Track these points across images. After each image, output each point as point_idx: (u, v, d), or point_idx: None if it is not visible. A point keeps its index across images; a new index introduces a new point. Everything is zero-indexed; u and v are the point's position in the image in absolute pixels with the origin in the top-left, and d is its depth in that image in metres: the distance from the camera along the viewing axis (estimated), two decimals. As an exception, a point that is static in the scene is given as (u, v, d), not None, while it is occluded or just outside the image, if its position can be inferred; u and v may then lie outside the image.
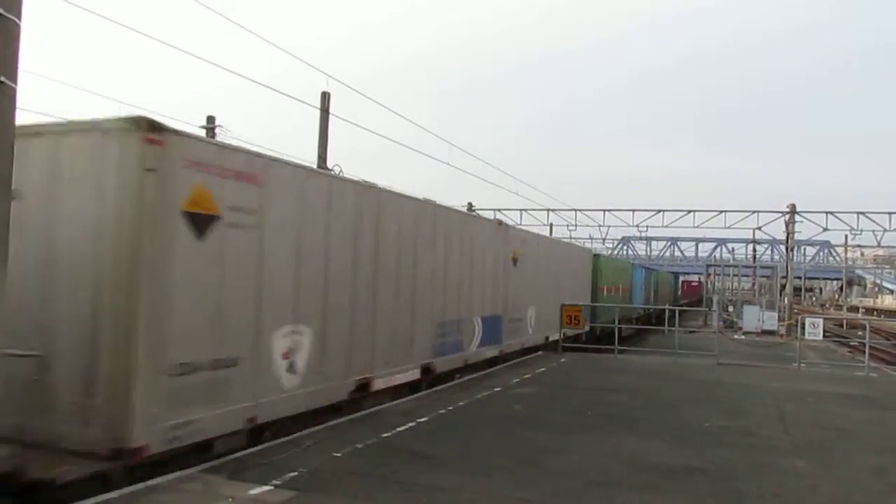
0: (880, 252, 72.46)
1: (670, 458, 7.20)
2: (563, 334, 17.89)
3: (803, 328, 16.54)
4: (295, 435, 7.54)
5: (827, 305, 77.19)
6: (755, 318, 28.32)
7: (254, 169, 6.91)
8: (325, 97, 19.99)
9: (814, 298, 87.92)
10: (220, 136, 23.71)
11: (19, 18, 2.14)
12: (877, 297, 78.29)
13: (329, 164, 21.89)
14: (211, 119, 23.81)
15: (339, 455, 6.79)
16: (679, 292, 62.23)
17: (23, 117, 4.53)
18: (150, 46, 32.37)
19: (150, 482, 5.71)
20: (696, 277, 71.50)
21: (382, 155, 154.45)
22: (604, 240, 50.22)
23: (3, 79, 2.04)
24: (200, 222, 6.24)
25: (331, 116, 19.92)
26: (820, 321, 16.93)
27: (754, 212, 36.85)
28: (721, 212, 38.25)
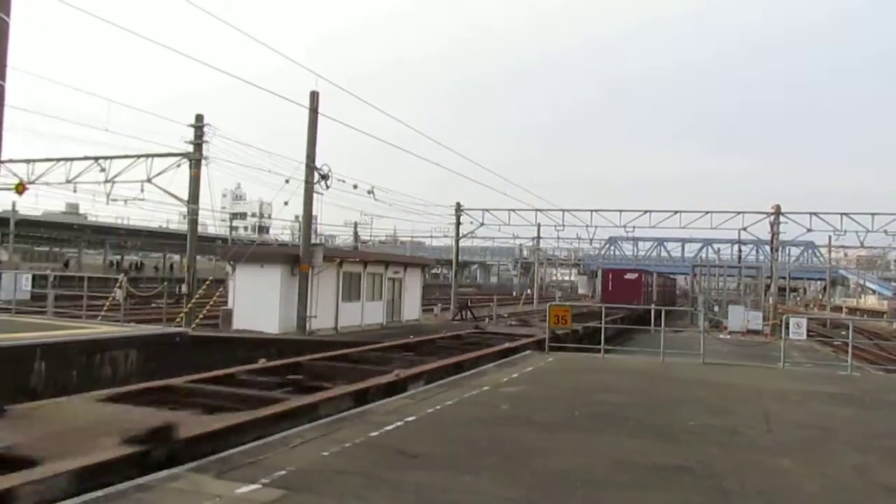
0: (863, 252, 73.33)
1: (656, 456, 7.27)
2: (552, 334, 17.97)
3: (787, 328, 16.71)
4: (282, 434, 7.56)
5: (811, 305, 77.92)
6: (740, 317, 28.62)
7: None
8: (314, 96, 19.90)
9: (798, 298, 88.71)
10: (209, 135, 23.58)
11: (8, 16, 2.14)
12: (860, 297, 79.14)
13: (318, 163, 21.78)
14: (199, 118, 23.69)
15: (326, 454, 6.80)
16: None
17: (12, 114, 4.51)
18: (140, 45, 32.16)
19: (137, 481, 5.70)
20: (660, 271, 54.72)
21: (373, 155, 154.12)
22: (591, 240, 50.36)
23: (-8, 77, 2.04)
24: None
25: (320, 116, 19.82)
26: (804, 321, 17.09)
27: (740, 212, 37.14)
28: (707, 212, 38.51)
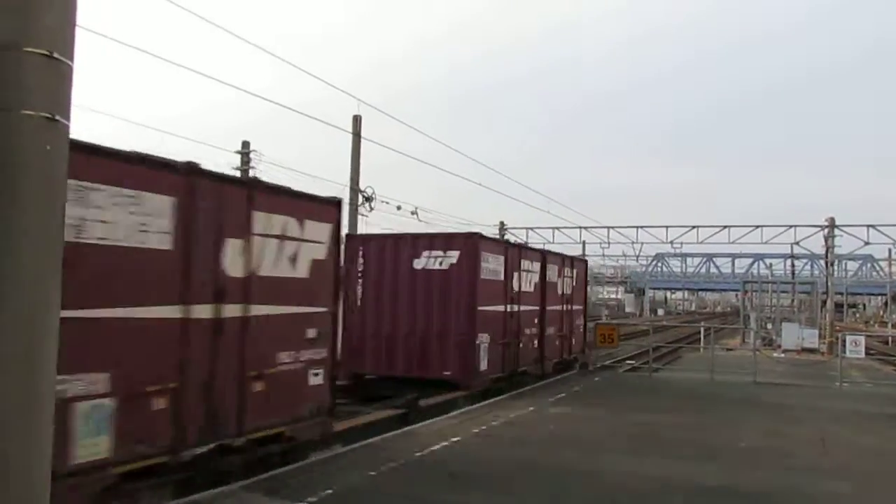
0: (926, 266, 70.31)
1: (705, 478, 7.12)
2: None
3: (844, 346, 16.17)
4: (331, 453, 7.68)
5: (871, 322, 75.03)
6: (794, 335, 27.70)
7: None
8: (357, 121, 20.29)
9: (857, 315, 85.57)
10: (255, 161, 24.27)
11: (72, 61, 2.35)
12: (924, 313, 75.83)
13: (361, 185, 22.16)
14: (246, 144, 24.41)
15: (373, 473, 6.88)
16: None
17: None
18: (191, 80, 33.35)
19: (190, 497, 5.87)
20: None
21: (413, 175, 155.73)
22: (637, 257, 49.67)
23: (58, 117, 2.23)
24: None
25: (363, 140, 20.19)
26: (862, 338, 16.54)
27: (792, 226, 35.97)
28: (757, 227, 37.43)
